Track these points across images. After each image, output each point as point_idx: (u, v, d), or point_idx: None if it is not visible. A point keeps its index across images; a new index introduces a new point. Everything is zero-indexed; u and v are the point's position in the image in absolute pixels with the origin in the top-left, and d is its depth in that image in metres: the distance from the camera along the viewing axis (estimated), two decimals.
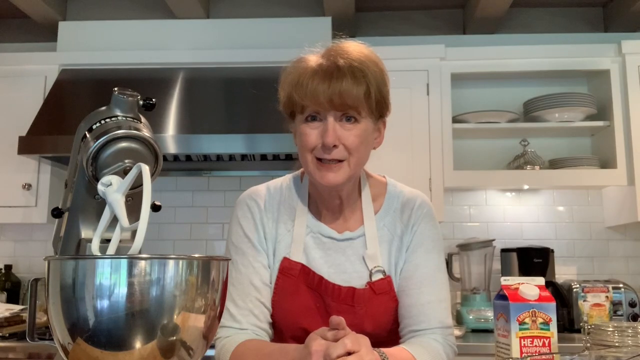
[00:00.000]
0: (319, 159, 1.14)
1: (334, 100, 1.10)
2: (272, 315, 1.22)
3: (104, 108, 0.94)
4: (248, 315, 1.18)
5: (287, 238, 1.23)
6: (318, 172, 1.14)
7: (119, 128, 0.89)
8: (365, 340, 0.97)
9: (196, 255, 0.77)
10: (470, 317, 2.66)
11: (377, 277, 1.20)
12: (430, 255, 1.23)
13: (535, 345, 1.10)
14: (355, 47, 1.16)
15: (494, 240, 2.87)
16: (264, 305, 1.20)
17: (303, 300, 1.19)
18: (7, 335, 2.37)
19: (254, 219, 1.25)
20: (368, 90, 1.12)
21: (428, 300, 1.18)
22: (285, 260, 1.21)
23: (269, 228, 1.24)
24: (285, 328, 1.21)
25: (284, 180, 1.30)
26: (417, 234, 1.24)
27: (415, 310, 1.18)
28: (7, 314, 2.40)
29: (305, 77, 1.13)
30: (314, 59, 1.16)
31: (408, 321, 1.19)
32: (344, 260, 1.21)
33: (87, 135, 0.91)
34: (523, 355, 1.08)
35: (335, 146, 1.12)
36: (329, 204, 1.24)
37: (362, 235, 1.23)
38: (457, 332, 2.44)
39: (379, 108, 1.17)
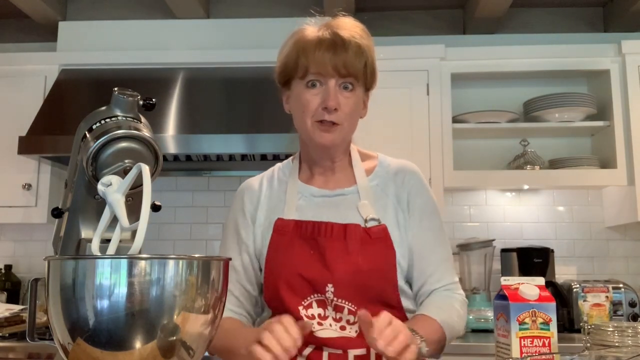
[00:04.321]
0: (319, 122, 1.21)
1: (338, 68, 1.19)
2: (265, 272, 1.26)
3: (104, 108, 0.94)
4: (228, 295, 1.20)
5: (281, 204, 1.30)
6: (317, 132, 1.22)
7: (119, 128, 0.89)
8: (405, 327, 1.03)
9: (196, 255, 0.78)
10: (470, 317, 2.65)
11: (372, 224, 1.24)
12: (435, 216, 1.32)
13: (535, 345, 1.10)
14: (352, 23, 1.27)
15: (494, 240, 2.87)
16: (244, 288, 1.28)
17: (298, 251, 1.23)
18: (7, 335, 2.37)
19: (242, 202, 1.33)
20: (366, 63, 1.22)
21: (441, 259, 1.29)
22: (279, 219, 1.27)
23: (262, 204, 1.31)
24: (279, 278, 1.23)
25: (276, 165, 1.40)
26: (418, 197, 1.30)
27: (431, 269, 1.26)
28: (7, 314, 2.40)
29: (311, 44, 1.21)
30: (313, 29, 1.26)
31: (427, 280, 1.26)
32: (336, 214, 1.25)
33: (87, 135, 0.91)
34: (523, 355, 1.08)
35: (335, 109, 1.20)
36: (321, 167, 1.31)
37: (355, 193, 1.28)
38: None
39: (371, 80, 1.27)
